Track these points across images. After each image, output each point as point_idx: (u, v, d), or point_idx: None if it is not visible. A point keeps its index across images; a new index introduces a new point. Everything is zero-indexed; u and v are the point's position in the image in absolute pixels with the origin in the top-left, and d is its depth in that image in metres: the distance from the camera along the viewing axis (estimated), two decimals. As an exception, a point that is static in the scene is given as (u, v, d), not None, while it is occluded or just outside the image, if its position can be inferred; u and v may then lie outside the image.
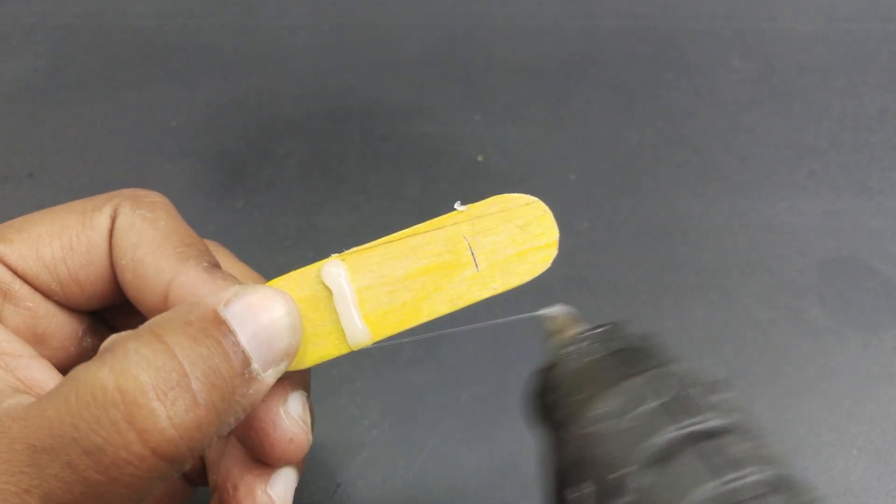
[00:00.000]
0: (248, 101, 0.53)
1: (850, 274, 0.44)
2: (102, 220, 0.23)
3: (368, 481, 0.37)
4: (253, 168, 0.49)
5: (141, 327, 0.19)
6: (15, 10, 0.59)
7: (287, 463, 0.23)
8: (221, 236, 0.47)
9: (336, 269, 0.23)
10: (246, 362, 0.19)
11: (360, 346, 0.23)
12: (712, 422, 0.20)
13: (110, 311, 0.26)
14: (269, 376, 0.20)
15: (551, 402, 0.23)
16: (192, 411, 0.18)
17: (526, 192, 0.52)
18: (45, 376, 0.21)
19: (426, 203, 0.47)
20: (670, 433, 0.19)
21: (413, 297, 0.23)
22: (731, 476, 0.18)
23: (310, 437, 0.23)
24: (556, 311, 0.25)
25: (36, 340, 0.23)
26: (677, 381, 0.21)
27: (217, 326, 0.19)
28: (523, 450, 0.38)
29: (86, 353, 0.25)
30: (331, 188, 0.48)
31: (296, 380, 0.23)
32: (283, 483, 0.24)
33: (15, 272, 0.23)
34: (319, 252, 0.45)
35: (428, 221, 0.23)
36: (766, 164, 0.50)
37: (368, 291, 0.23)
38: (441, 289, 0.23)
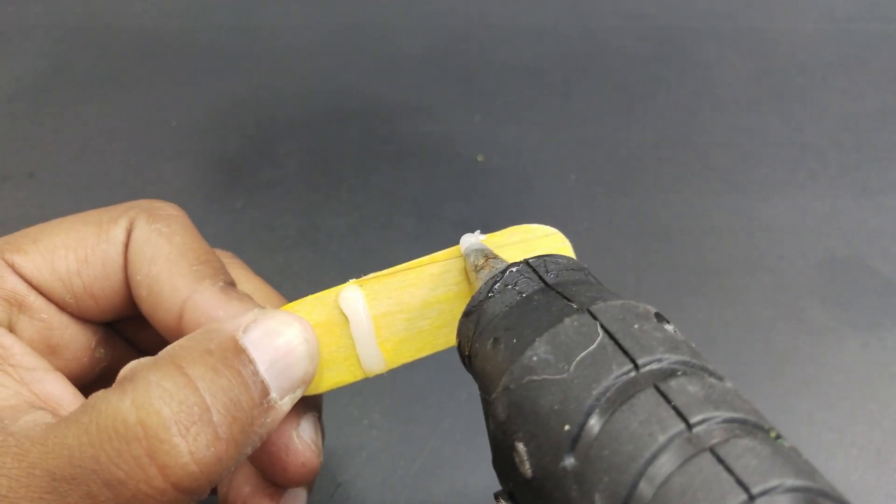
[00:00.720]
0: (248, 101, 0.53)
1: (850, 274, 0.44)
2: (118, 234, 0.23)
3: (368, 481, 0.37)
4: (253, 168, 0.49)
5: (160, 356, 0.19)
6: (15, 10, 0.59)
7: (298, 485, 0.24)
8: (221, 236, 0.47)
9: (353, 295, 0.23)
10: (265, 392, 0.19)
11: (375, 374, 0.23)
12: (667, 359, 0.17)
13: (123, 321, 0.26)
14: (286, 403, 0.20)
15: (478, 351, 0.20)
16: (213, 446, 0.18)
17: (526, 192, 0.52)
18: (59, 390, 0.21)
19: (426, 203, 0.47)
20: (626, 375, 0.17)
21: (429, 325, 0.22)
22: (698, 418, 0.16)
23: (321, 459, 0.23)
24: (468, 242, 0.23)
25: (50, 351, 0.23)
26: (622, 315, 0.18)
27: (237, 355, 0.19)
28: (523, 450, 0.37)
29: (98, 364, 0.25)
30: (331, 188, 0.48)
31: (308, 402, 0.23)
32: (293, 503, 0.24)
33: (30, 284, 0.23)
34: (319, 252, 0.45)
35: (447, 250, 0.23)
36: (766, 164, 0.50)
37: (385, 318, 0.22)
38: (457, 318, 0.22)
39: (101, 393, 0.18)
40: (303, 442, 0.23)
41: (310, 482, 0.24)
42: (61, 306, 0.23)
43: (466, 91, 0.54)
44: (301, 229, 0.46)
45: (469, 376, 0.40)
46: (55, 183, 0.49)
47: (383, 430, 0.38)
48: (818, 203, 0.48)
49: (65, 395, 0.21)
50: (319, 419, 0.24)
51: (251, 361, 0.19)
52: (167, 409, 0.18)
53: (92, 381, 0.25)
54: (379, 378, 0.40)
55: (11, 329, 0.22)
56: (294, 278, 0.44)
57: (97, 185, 0.49)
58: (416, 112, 0.52)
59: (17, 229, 0.50)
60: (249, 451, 0.19)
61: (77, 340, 0.24)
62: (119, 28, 0.58)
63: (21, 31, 0.57)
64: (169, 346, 0.20)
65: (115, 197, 0.48)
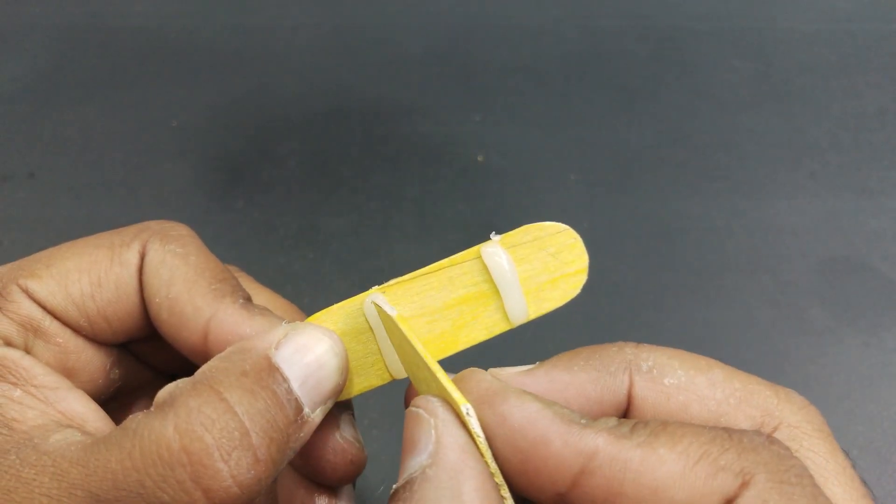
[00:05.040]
0: (248, 101, 0.53)
1: (850, 274, 0.44)
2: (131, 257, 0.24)
3: (369, 481, 0.37)
4: (253, 168, 0.49)
5: (198, 380, 0.20)
6: (15, 10, 0.59)
7: (349, 481, 0.24)
8: (221, 236, 0.47)
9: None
10: (299, 409, 0.20)
11: (402, 376, 0.24)
12: None
13: (136, 342, 0.26)
14: (318, 416, 0.21)
15: None
16: (253, 469, 0.19)
17: (526, 193, 0.52)
18: (83, 407, 0.22)
19: (426, 203, 0.47)
20: None
21: (451, 326, 0.23)
22: None
23: (365, 453, 0.24)
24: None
25: (66, 374, 0.23)
26: None
27: (271, 374, 0.20)
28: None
29: (113, 385, 0.25)
30: (331, 188, 0.48)
31: (341, 403, 0.24)
32: (347, 498, 0.25)
33: (45, 308, 0.23)
34: (319, 252, 0.45)
35: (464, 252, 0.23)
36: (766, 164, 0.50)
37: (408, 322, 0.23)
38: (478, 317, 0.23)
39: (140, 416, 0.19)
40: (347, 441, 0.24)
41: (356, 477, 0.25)
42: (76, 330, 0.24)
43: (466, 91, 0.54)
44: (301, 229, 0.46)
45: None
46: (55, 183, 0.49)
47: (384, 430, 0.38)
48: (818, 203, 0.48)
49: (88, 413, 0.22)
50: (353, 416, 0.25)
51: (285, 380, 0.20)
52: (209, 435, 0.18)
53: (106, 400, 0.25)
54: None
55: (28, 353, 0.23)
56: (294, 278, 0.44)
57: (97, 185, 0.49)
58: (416, 112, 0.53)
59: (18, 229, 0.50)
60: (285, 465, 0.20)
61: (92, 363, 0.24)
62: (119, 28, 0.58)
63: (21, 31, 0.57)
64: (204, 368, 0.20)
65: (115, 197, 0.48)
